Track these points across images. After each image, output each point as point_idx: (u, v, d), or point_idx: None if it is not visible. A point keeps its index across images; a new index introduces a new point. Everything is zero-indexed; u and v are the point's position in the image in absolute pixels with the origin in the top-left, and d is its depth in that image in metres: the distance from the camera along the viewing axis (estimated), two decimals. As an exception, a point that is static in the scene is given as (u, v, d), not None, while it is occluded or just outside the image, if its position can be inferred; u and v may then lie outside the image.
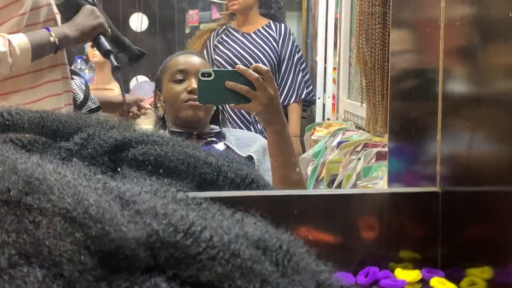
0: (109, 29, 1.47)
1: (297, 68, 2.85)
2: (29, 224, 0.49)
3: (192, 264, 0.50)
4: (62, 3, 1.46)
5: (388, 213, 0.83)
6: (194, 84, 1.52)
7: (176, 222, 0.50)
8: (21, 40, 1.32)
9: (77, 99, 1.72)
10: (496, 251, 0.73)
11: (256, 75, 1.10)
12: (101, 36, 1.44)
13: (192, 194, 0.66)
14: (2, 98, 1.38)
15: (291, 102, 2.81)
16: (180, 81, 1.55)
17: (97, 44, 1.46)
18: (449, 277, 0.79)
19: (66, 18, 1.45)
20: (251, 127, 2.83)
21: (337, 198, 0.82)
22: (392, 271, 0.81)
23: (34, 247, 0.48)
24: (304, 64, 2.93)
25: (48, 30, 1.39)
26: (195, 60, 1.59)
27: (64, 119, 0.89)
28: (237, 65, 1.13)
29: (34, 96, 1.43)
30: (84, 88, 1.77)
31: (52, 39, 1.37)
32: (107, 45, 1.44)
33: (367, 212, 0.82)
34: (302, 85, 2.87)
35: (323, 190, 1.12)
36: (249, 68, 1.10)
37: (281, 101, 2.80)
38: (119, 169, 0.83)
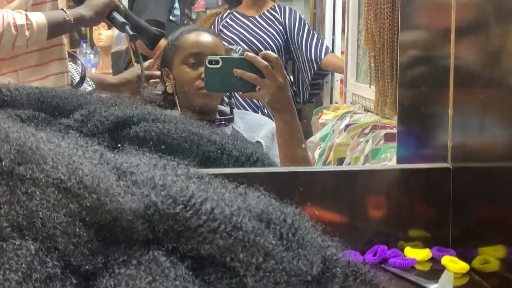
0: (121, 5, 1.49)
1: (310, 36, 2.81)
2: (22, 196, 0.47)
3: (192, 237, 0.48)
4: None
5: (397, 190, 0.80)
6: None
7: (175, 194, 0.48)
8: (38, 17, 1.35)
9: (73, 81, 1.72)
10: (510, 229, 0.70)
11: (265, 62, 1.07)
12: (115, 12, 1.47)
13: (194, 169, 0.64)
14: (4, 78, 1.37)
15: (323, 56, 2.79)
16: (193, 65, 1.49)
17: (111, 20, 1.50)
18: (461, 256, 0.77)
19: (77, 3, 1.48)
20: (259, 111, 2.80)
21: (345, 174, 0.79)
22: (402, 250, 0.79)
23: (27, 219, 0.46)
24: (313, 32, 2.90)
25: (64, 10, 1.41)
26: (210, 41, 1.51)
27: (64, 95, 0.86)
28: (245, 52, 1.09)
29: (39, 74, 1.45)
30: (81, 71, 1.77)
31: (68, 17, 1.40)
32: (121, 18, 1.48)
33: (375, 189, 0.80)
34: (319, 46, 2.83)
35: (329, 166, 1.09)
36: (257, 54, 1.07)
37: (313, 63, 2.82)
38: (120, 147, 0.80)
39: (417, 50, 0.91)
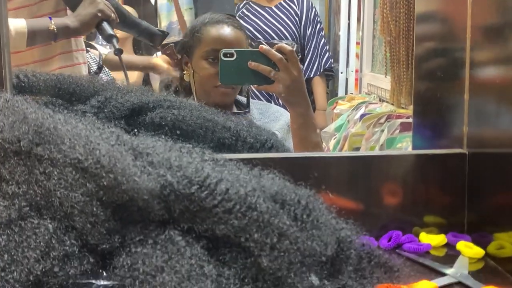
0: (113, 14, 1.46)
1: (319, 42, 2.80)
2: (40, 175, 0.47)
3: (207, 217, 0.48)
4: None
5: (412, 176, 0.80)
6: None
7: (191, 174, 0.48)
8: (18, 24, 1.33)
9: (91, 70, 1.73)
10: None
11: (280, 55, 1.06)
12: (104, 22, 1.44)
13: (209, 152, 0.64)
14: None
15: (316, 75, 2.78)
16: (213, 61, 1.47)
17: (100, 31, 1.46)
18: (476, 242, 0.76)
19: (72, 9, 1.48)
20: (272, 101, 2.80)
21: (360, 160, 0.79)
22: (417, 235, 0.79)
23: (45, 198, 0.47)
24: (325, 37, 2.89)
25: (50, 19, 1.40)
26: (233, 37, 1.47)
27: (81, 82, 0.87)
28: (260, 45, 1.09)
29: (49, 67, 1.45)
30: (98, 60, 1.78)
31: (51, 27, 1.38)
32: (109, 30, 1.44)
33: (390, 175, 0.79)
34: (325, 57, 2.83)
35: (344, 152, 1.09)
36: (272, 47, 1.07)
37: (304, 76, 2.80)
38: (135, 132, 0.81)
39: (433, 41, 0.90)
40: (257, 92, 2.72)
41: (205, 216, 0.48)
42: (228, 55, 1.07)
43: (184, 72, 1.53)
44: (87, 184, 0.46)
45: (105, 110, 0.84)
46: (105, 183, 0.46)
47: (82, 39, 1.58)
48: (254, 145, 0.94)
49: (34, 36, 1.35)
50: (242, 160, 0.75)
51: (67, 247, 0.47)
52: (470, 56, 0.77)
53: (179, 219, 0.49)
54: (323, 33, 2.85)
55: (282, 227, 0.48)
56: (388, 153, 0.89)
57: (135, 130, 0.84)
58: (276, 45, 1.09)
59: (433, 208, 0.80)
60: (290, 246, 0.48)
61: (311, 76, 2.78)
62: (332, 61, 2.90)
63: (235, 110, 1.58)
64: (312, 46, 2.78)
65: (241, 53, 1.07)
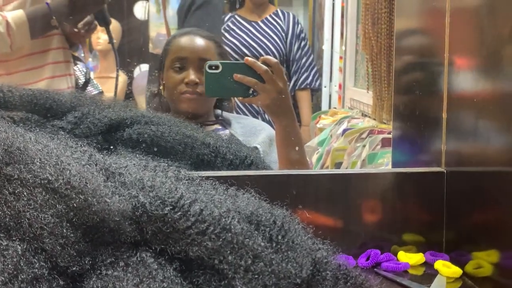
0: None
1: (305, 57, 2.81)
2: (9, 196, 0.46)
3: (180, 238, 0.48)
4: None
5: (391, 194, 0.80)
6: (191, 75, 1.46)
7: (164, 195, 0.48)
8: (17, 15, 1.34)
9: (79, 83, 1.72)
10: (503, 234, 0.70)
11: (265, 67, 1.07)
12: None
13: (186, 172, 0.63)
14: (6, 78, 1.38)
15: (301, 87, 2.78)
16: (179, 69, 1.49)
17: (100, 15, 1.48)
18: (454, 261, 0.76)
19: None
20: (259, 117, 2.79)
21: (339, 178, 0.79)
22: (395, 254, 0.79)
23: (14, 219, 0.46)
24: (311, 53, 2.90)
25: (47, 4, 1.40)
26: (198, 45, 1.51)
27: (58, 97, 0.86)
28: (246, 57, 1.10)
29: (38, 76, 1.44)
30: (85, 73, 1.77)
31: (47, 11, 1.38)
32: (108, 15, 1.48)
33: (369, 193, 0.79)
34: (312, 73, 2.83)
35: (324, 170, 1.09)
36: (257, 60, 1.07)
37: (289, 89, 2.80)
38: (111, 148, 0.80)
39: (412, 56, 0.91)
40: (243, 107, 2.72)
41: (178, 238, 0.48)
42: (214, 67, 1.07)
43: (160, 88, 1.54)
44: (57, 205, 0.45)
45: (82, 126, 0.83)
46: (75, 204, 0.45)
47: (70, 52, 1.58)
48: (233, 161, 0.93)
49: (35, 24, 1.35)
50: (220, 177, 0.74)
51: (36, 270, 0.45)
52: (448, 73, 0.78)
53: (151, 240, 0.48)
54: (309, 49, 2.86)
55: (256, 249, 0.48)
56: (367, 171, 0.89)
57: (111, 146, 0.84)
58: (261, 57, 1.09)
59: (412, 227, 0.80)
60: (265, 268, 0.48)
61: (296, 90, 2.79)
62: (318, 76, 2.91)
63: (212, 117, 1.59)
64: (298, 61, 2.79)
65: (226, 65, 1.07)
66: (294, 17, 2.84)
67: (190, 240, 0.47)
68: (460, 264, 0.75)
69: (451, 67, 0.77)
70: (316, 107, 3.36)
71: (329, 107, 3.12)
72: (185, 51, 1.48)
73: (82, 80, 1.76)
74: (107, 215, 0.45)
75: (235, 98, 2.76)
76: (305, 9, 3.83)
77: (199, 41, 1.51)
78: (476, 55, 0.72)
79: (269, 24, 2.82)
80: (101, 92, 1.79)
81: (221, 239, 0.47)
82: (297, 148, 1.18)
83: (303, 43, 2.83)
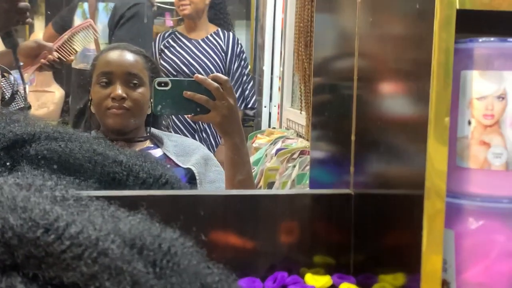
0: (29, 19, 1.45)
1: (244, 79, 2.82)
2: None
3: (55, 263, 0.45)
4: None
5: (300, 216, 0.79)
6: (118, 89, 1.43)
7: (36, 216, 0.45)
8: None
9: (5, 96, 1.65)
10: (407, 257, 0.70)
11: (216, 84, 1.06)
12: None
13: (84, 192, 0.61)
14: None
15: (239, 110, 2.79)
16: (106, 84, 1.46)
17: (9, 35, 1.43)
18: (361, 283, 0.76)
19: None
20: (196, 135, 2.77)
21: (248, 199, 0.78)
22: (303, 276, 0.78)
23: None
24: (249, 73, 2.91)
25: None
26: (125, 60, 1.49)
27: (-42, 111, 0.82)
28: (195, 74, 1.09)
29: None
30: (13, 87, 1.70)
31: None
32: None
33: (279, 214, 0.79)
34: (250, 95, 2.84)
35: (232, 190, 1.08)
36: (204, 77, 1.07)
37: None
38: (8, 165, 0.76)
39: (325, 78, 0.92)
40: (180, 125, 2.69)
41: (52, 262, 0.45)
42: (163, 84, 1.05)
43: (90, 104, 1.50)
44: None
45: (-18, 142, 0.79)
46: None
47: None
48: (147, 180, 0.91)
49: None
50: (124, 197, 0.72)
51: None
52: (357, 96, 0.79)
53: (23, 265, 0.45)
54: (248, 69, 2.88)
55: (136, 274, 0.46)
56: (276, 192, 0.89)
57: (14, 163, 0.80)
58: (211, 75, 1.09)
59: (321, 249, 0.80)
60: (144, 294, 0.46)
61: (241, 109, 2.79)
62: (255, 98, 2.92)
63: (148, 143, 1.55)
64: (238, 80, 2.80)
65: (176, 82, 1.06)
66: (234, 37, 2.84)
67: (64, 265, 0.45)
68: (367, 286, 0.75)
69: (359, 90, 0.78)
70: (257, 126, 3.37)
71: (269, 126, 3.14)
72: (111, 66, 1.45)
73: (8, 94, 1.70)
74: (-29, 238, 0.43)
75: (172, 116, 2.73)
76: (247, 30, 3.86)
77: (127, 56, 1.48)
78: (381, 80, 0.74)
79: (209, 43, 2.82)
80: (27, 107, 1.73)
81: (97, 264, 0.45)
82: (246, 166, 1.17)
83: (242, 63, 2.84)
